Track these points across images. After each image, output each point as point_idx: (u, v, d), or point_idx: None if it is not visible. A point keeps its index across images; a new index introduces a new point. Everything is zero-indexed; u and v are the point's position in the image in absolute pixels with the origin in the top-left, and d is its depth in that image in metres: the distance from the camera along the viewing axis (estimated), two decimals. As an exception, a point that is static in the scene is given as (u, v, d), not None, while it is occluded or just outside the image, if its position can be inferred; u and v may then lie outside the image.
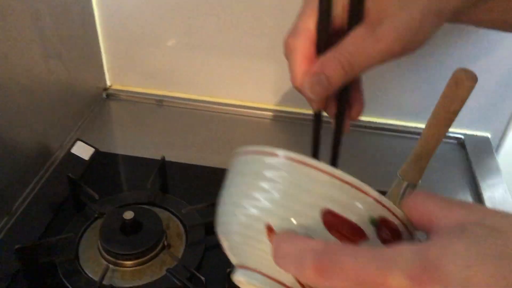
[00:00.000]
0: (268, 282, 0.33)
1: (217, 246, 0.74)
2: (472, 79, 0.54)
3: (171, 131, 0.99)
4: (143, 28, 0.98)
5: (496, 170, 0.94)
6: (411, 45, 0.41)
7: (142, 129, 1.00)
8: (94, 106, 1.03)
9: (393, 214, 0.31)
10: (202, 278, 0.65)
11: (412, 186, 0.65)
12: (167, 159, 0.83)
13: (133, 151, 0.92)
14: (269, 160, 0.33)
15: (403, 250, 0.26)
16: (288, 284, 0.32)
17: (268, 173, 0.32)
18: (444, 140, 1.01)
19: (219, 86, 1.05)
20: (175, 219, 0.78)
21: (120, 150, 0.92)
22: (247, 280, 0.35)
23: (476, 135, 1.02)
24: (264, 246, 0.32)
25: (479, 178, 0.91)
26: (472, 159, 0.96)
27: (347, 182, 0.30)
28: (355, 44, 0.40)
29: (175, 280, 0.68)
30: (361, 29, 0.41)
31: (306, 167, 0.31)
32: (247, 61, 0.99)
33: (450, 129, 1.06)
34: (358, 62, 0.40)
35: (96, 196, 0.76)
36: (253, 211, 0.32)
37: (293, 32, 0.44)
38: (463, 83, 0.55)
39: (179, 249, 0.73)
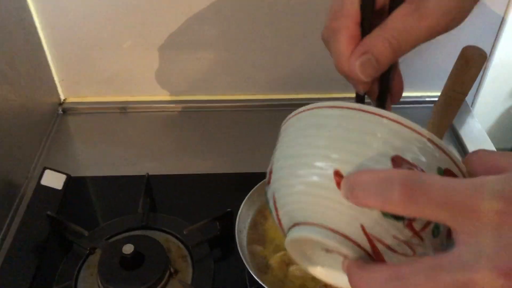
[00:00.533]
0: (331, 236, 0.30)
1: (226, 259, 0.73)
2: (483, 57, 0.52)
3: (142, 140, 0.92)
4: (93, 32, 0.88)
5: (475, 127, 0.95)
6: (454, 21, 0.40)
7: (110, 142, 0.91)
8: (52, 125, 0.93)
9: (458, 168, 0.31)
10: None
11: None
12: (146, 172, 0.77)
13: (109, 170, 0.84)
14: (331, 111, 0.33)
15: (492, 179, 0.26)
16: (353, 237, 0.30)
17: (332, 122, 0.32)
18: (422, 104, 1.02)
19: (185, 83, 0.98)
20: (174, 240, 0.72)
21: (94, 171, 0.84)
22: (306, 235, 0.31)
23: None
24: (333, 193, 0.30)
25: (462, 136, 0.92)
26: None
27: (418, 132, 0.30)
28: (401, 22, 0.39)
29: (190, 309, 0.63)
30: (406, 6, 0.39)
31: (375, 116, 0.31)
32: (212, 54, 0.92)
33: (426, 93, 1.07)
34: (406, 39, 0.39)
35: (85, 233, 0.69)
36: (320, 159, 0.31)
37: (335, 15, 0.41)
38: (474, 62, 0.52)
39: (187, 272, 0.68)
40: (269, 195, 0.36)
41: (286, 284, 0.60)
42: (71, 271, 0.67)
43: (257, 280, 0.57)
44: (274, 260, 0.62)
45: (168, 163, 0.86)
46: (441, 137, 0.60)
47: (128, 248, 0.64)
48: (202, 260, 0.69)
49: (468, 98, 1.01)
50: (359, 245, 0.30)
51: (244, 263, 0.59)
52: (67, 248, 0.70)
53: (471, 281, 0.24)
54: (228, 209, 0.70)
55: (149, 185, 0.76)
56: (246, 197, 0.67)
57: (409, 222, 0.29)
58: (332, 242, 0.30)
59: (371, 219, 0.29)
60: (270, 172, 0.36)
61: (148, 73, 0.94)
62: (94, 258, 0.68)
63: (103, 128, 0.94)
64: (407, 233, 0.29)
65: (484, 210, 0.25)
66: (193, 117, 0.96)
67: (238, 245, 0.61)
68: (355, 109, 0.31)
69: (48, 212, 0.70)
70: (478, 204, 0.25)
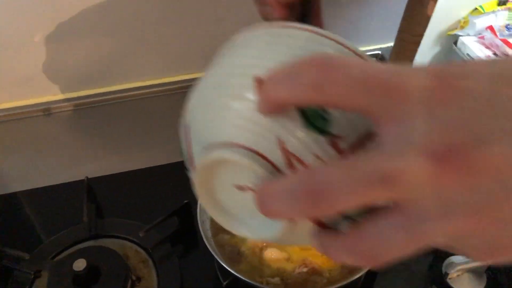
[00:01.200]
0: (243, 153, 0.26)
1: (192, 254, 0.66)
2: (436, -6, 0.48)
3: (73, 141, 0.83)
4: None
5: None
6: None
7: (37, 150, 0.81)
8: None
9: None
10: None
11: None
12: (85, 176, 0.68)
13: (41, 181, 0.74)
14: (249, 32, 0.30)
15: (419, 67, 0.22)
16: (268, 154, 0.26)
17: (250, 42, 0.30)
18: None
19: (109, 73, 0.88)
20: (131, 244, 0.65)
21: (25, 185, 0.74)
22: (217, 156, 0.27)
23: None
24: (246, 105, 0.26)
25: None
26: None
27: (325, 36, 0.28)
28: None
29: (164, 316, 0.57)
30: None
31: (294, 28, 0.29)
32: (130, 40, 0.84)
33: (365, 48, 1.04)
34: None
35: (26, 256, 0.60)
36: (238, 73, 0.28)
37: None
38: (429, 2, 0.48)
39: (151, 277, 0.61)
40: (182, 133, 0.32)
41: (262, 271, 0.55)
42: (16, 302, 0.58)
43: (231, 271, 0.52)
44: (246, 247, 0.56)
45: (107, 162, 0.78)
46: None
47: (79, 264, 0.56)
48: (165, 261, 0.62)
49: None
50: (274, 165, 0.26)
51: (213, 256, 0.53)
52: (6, 277, 0.61)
53: (397, 170, 0.20)
54: (185, 201, 0.64)
55: (90, 189, 0.68)
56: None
57: (333, 140, 0.25)
58: (242, 159, 0.26)
59: (289, 131, 0.25)
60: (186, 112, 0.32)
61: (68, 67, 0.84)
62: (41, 283, 0.60)
63: (26, 135, 0.84)
64: (330, 151, 0.25)
65: (413, 87, 0.20)
66: (119, 109, 0.88)
67: (204, 237, 0.55)
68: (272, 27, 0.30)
69: (-24, 240, 0.60)
70: (406, 82, 0.20)
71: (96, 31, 0.81)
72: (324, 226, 0.26)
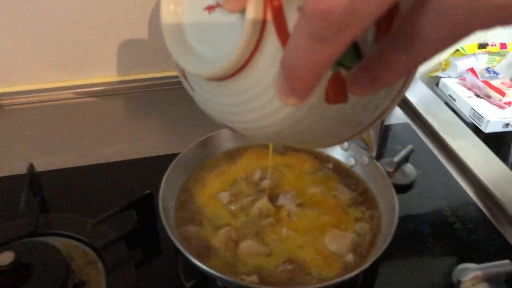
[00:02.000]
0: None
1: (152, 258, 0.55)
2: None
3: (24, 136, 0.72)
4: None
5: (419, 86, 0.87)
6: None
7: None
8: None
9: None
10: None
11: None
12: (29, 162, 0.58)
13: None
14: None
15: None
16: None
17: None
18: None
19: (61, 67, 0.79)
20: (77, 243, 0.53)
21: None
22: None
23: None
24: None
25: (408, 96, 0.83)
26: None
27: None
28: None
29: (111, 329, 0.45)
30: None
31: None
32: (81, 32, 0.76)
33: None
34: None
35: None
36: None
37: None
38: None
39: (100, 282, 0.50)
40: None
41: (237, 268, 0.44)
42: None
43: (200, 266, 0.41)
44: (218, 239, 0.46)
45: (59, 158, 0.67)
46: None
47: (5, 257, 0.45)
48: (117, 264, 0.51)
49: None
50: None
51: (176, 255, 0.43)
52: None
53: None
54: (147, 191, 0.53)
55: (34, 178, 0.57)
56: (167, 173, 0.51)
57: None
58: None
59: None
60: None
61: (21, 59, 0.75)
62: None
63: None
64: None
65: None
66: (75, 106, 0.78)
67: (167, 228, 0.44)
68: None
69: None
70: None
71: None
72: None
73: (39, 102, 0.78)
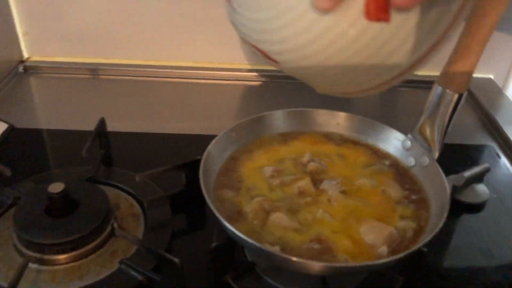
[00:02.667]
0: None
1: (192, 223, 0.56)
2: None
3: (111, 103, 0.78)
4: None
5: (509, 106, 0.80)
6: None
7: (73, 104, 0.77)
8: (7, 83, 0.79)
9: None
10: (176, 259, 0.43)
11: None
12: (110, 129, 0.62)
13: (63, 126, 0.69)
14: None
15: None
16: None
17: None
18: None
19: (164, 47, 0.84)
20: (127, 196, 0.56)
21: (44, 126, 0.70)
22: None
23: (479, 77, 0.87)
24: None
25: (496, 117, 0.76)
26: (481, 99, 0.80)
27: None
28: None
29: (134, 273, 0.46)
30: None
31: None
32: (192, 18, 0.80)
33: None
34: None
35: (8, 172, 0.53)
36: None
37: None
38: None
39: (137, 232, 0.51)
40: None
41: (262, 236, 0.43)
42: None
43: (225, 224, 0.40)
44: (251, 206, 0.45)
45: (133, 123, 0.71)
46: (482, 50, 0.44)
47: (57, 187, 0.48)
48: (158, 222, 0.52)
49: (498, 80, 0.87)
50: None
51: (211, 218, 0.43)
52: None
53: None
54: (198, 157, 0.54)
55: (103, 132, 0.61)
56: (216, 138, 0.51)
57: None
58: None
59: None
60: None
61: (125, 33, 0.82)
62: (18, 208, 0.52)
63: (69, 91, 0.80)
64: None
65: None
66: (166, 84, 0.83)
67: (202, 186, 0.44)
68: None
69: (-34, 147, 0.54)
70: None
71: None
72: None
73: (131, 75, 0.84)
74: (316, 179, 0.49)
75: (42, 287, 0.44)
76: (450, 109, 0.48)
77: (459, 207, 0.58)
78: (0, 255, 0.47)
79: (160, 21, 0.81)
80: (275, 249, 0.41)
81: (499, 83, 0.87)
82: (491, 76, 0.87)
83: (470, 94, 0.83)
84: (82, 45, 0.84)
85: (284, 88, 0.81)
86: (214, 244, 0.44)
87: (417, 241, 0.43)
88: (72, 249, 0.47)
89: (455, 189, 0.58)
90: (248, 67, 0.85)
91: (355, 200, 0.47)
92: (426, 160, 0.50)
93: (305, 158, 0.52)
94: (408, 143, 0.52)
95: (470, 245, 0.53)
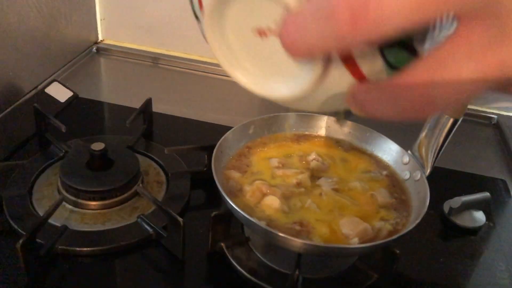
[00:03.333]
0: None
1: (203, 201, 0.64)
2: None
3: (162, 88, 0.88)
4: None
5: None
6: None
7: (132, 85, 0.88)
8: (81, 59, 0.92)
9: None
10: (179, 219, 0.51)
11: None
12: (155, 110, 0.72)
13: (119, 101, 0.80)
14: None
15: None
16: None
17: None
18: (476, 119, 0.90)
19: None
20: (156, 166, 0.65)
21: (103, 99, 0.81)
22: None
23: (510, 115, 0.89)
24: None
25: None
26: (508, 135, 0.83)
27: None
28: None
29: (147, 227, 0.55)
30: None
31: None
32: None
33: (482, 108, 0.95)
34: None
35: (63, 128, 0.63)
36: None
37: None
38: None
39: (158, 195, 0.60)
40: None
41: (253, 212, 0.50)
42: (39, 164, 0.61)
43: (224, 196, 0.48)
44: (250, 187, 0.52)
45: (175, 108, 0.80)
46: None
47: (97, 146, 0.58)
48: (177, 193, 0.61)
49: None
50: None
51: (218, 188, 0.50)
52: (44, 146, 0.66)
53: None
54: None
55: (148, 109, 0.71)
56: (237, 126, 0.59)
57: None
58: None
59: None
60: None
61: (188, 28, 0.92)
62: (66, 160, 0.63)
63: (130, 74, 0.92)
64: None
65: None
66: (217, 81, 0.91)
67: (212, 164, 0.52)
68: None
69: (35, 104, 0.66)
70: None
71: None
72: (362, 77, 0.23)
73: (184, 68, 0.94)
74: (315, 176, 0.55)
75: (71, 224, 0.54)
76: (445, 132, 0.53)
77: (453, 229, 0.62)
78: (47, 194, 0.58)
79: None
80: (261, 223, 0.48)
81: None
82: (525, 116, 0.89)
83: (499, 129, 0.85)
84: (149, 35, 0.95)
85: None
86: (214, 213, 0.52)
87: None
88: (101, 199, 0.56)
89: (451, 211, 0.62)
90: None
91: (343, 197, 0.53)
92: (418, 175, 0.55)
93: (310, 157, 0.58)
94: (407, 158, 0.57)
95: (450, 260, 0.57)
